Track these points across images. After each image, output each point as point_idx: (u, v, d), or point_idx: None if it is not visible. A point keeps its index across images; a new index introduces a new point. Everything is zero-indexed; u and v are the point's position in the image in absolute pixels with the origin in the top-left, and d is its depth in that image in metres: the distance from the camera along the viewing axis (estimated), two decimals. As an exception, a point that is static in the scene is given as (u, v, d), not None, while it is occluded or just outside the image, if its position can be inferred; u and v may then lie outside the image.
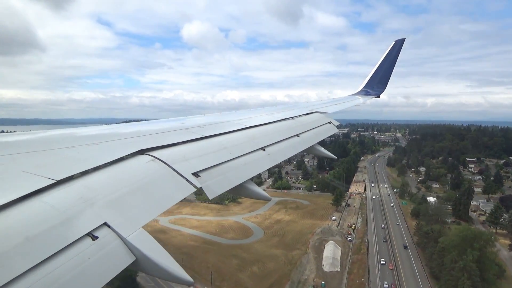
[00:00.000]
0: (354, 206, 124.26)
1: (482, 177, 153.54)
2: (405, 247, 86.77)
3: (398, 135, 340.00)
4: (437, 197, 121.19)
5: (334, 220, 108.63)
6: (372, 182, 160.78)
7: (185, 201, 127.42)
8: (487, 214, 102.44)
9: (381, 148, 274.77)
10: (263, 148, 5.60)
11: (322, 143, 7.87)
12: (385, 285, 67.48)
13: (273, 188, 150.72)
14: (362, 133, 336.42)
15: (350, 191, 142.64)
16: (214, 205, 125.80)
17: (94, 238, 2.52)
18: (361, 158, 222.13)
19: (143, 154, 3.96)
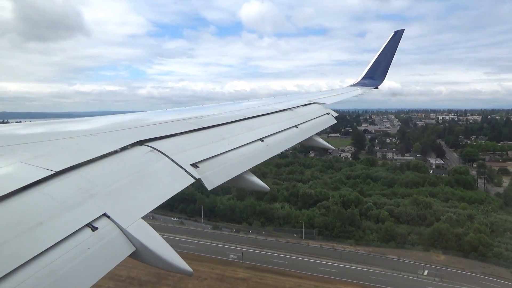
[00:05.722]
0: None
1: None
2: None
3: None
4: None
5: None
6: None
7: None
8: None
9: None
10: (261, 139, 5.59)
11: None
12: None
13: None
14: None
15: None
16: None
17: (94, 229, 2.53)
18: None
19: (142, 144, 3.96)
